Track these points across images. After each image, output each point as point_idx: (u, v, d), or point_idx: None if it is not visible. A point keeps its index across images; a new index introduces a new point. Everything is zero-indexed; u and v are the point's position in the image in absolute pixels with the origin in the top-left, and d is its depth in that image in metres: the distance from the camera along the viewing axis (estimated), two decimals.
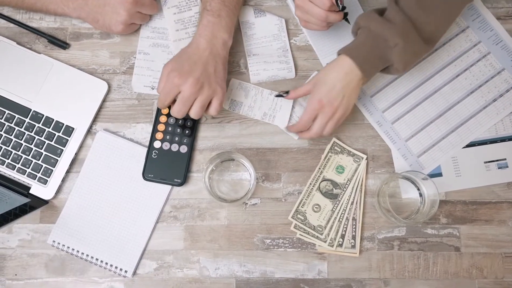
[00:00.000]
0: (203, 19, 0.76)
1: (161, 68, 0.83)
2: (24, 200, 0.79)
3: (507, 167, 0.83)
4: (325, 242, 0.80)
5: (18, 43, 0.84)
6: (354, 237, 0.80)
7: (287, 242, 0.81)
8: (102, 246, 0.80)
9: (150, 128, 0.83)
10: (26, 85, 0.82)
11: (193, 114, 0.74)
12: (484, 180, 0.82)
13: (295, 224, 0.81)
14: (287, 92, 0.79)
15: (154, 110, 0.83)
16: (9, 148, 0.81)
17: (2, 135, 0.81)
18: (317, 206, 0.81)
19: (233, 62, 0.85)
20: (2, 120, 0.81)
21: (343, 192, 0.81)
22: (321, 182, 0.82)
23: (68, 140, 0.81)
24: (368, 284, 0.80)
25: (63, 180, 0.82)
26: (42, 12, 0.83)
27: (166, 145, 0.81)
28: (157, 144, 0.81)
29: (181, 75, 0.72)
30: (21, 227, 0.81)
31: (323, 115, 0.74)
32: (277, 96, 0.81)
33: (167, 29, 0.85)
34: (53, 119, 0.82)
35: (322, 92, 0.73)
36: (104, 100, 0.83)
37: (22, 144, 0.81)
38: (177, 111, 0.73)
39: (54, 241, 0.80)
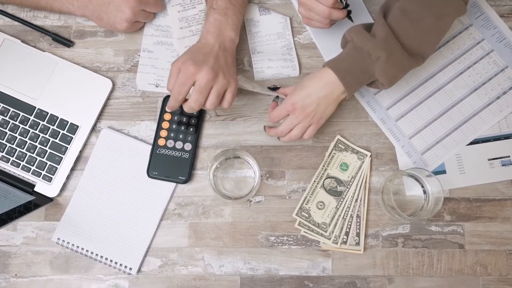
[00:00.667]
0: (209, 17, 0.76)
1: (165, 65, 0.84)
2: (29, 197, 0.79)
3: (511, 164, 0.83)
4: (329, 239, 0.80)
5: (23, 41, 0.84)
6: (358, 234, 0.80)
7: (291, 239, 0.81)
8: (106, 243, 0.80)
9: (154, 125, 0.83)
10: (30, 83, 0.83)
11: (210, 105, 0.72)
12: (488, 177, 0.82)
13: (299, 221, 0.81)
14: (278, 88, 0.81)
15: (159, 107, 0.83)
16: (14, 146, 0.81)
17: (6, 133, 0.81)
18: (321, 204, 0.81)
19: (237, 60, 0.84)
20: (7, 118, 0.82)
21: (347, 189, 0.81)
22: (325, 179, 0.82)
23: (72, 137, 0.82)
24: (372, 281, 0.80)
25: (68, 178, 0.82)
26: (47, 10, 0.83)
27: (170, 143, 0.81)
28: (161, 142, 0.81)
29: (195, 63, 0.70)
30: (26, 225, 0.81)
31: (293, 117, 0.75)
32: (269, 88, 0.81)
33: (171, 27, 0.85)
34: (58, 117, 0.82)
35: (298, 96, 0.75)
36: (108, 98, 0.84)
37: (26, 141, 0.81)
38: (195, 101, 0.71)
39: (58, 239, 0.80)
